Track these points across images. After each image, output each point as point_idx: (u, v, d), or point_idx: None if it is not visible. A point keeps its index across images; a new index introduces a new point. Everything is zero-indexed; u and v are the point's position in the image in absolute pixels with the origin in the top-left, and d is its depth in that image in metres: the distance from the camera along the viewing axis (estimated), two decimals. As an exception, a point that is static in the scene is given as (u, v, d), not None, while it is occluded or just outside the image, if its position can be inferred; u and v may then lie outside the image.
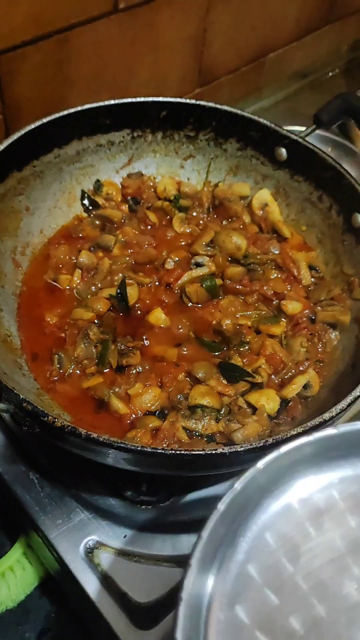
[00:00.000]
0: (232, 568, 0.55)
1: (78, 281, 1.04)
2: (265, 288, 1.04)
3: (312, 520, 0.57)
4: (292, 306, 1.01)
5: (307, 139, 1.10)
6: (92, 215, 1.14)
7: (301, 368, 0.95)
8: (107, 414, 0.89)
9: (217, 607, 0.52)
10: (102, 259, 1.07)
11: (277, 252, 1.10)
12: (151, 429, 0.86)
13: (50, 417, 0.70)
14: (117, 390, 0.90)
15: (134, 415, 0.88)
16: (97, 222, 1.13)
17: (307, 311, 1.02)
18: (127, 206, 1.17)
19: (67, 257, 1.07)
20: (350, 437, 0.59)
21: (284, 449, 0.57)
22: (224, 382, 0.92)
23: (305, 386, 0.92)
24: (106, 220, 1.13)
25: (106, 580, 0.83)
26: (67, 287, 1.03)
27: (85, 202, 1.15)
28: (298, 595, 0.52)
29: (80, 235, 1.11)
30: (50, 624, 1.00)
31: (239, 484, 0.55)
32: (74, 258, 1.06)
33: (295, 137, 1.10)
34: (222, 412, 0.89)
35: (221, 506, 0.54)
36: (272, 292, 1.04)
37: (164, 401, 0.90)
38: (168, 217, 1.16)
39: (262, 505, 0.58)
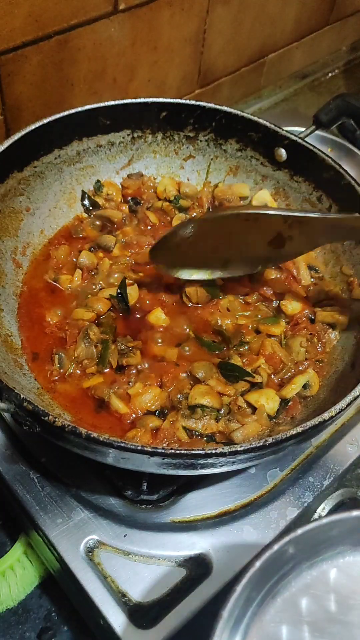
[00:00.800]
0: (261, 627, 0.56)
1: (78, 281, 1.04)
2: (265, 288, 1.04)
3: (339, 597, 0.58)
4: (292, 306, 1.02)
5: (306, 139, 1.11)
6: (92, 216, 1.14)
7: (301, 368, 0.95)
8: (107, 413, 0.89)
9: None
10: (103, 259, 1.07)
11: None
12: (151, 429, 0.86)
13: (50, 417, 0.70)
14: (117, 389, 0.90)
15: (134, 415, 0.88)
16: (98, 223, 1.13)
17: (306, 311, 1.02)
18: (127, 206, 1.17)
19: (68, 258, 1.07)
20: None
21: (325, 520, 0.58)
22: (224, 381, 0.92)
23: (305, 386, 0.92)
24: (106, 221, 1.13)
25: (106, 580, 0.83)
26: (68, 287, 1.04)
27: (86, 202, 1.15)
28: None
29: (81, 235, 1.11)
30: (50, 623, 1.00)
31: (277, 545, 0.56)
32: (74, 258, 1.07)
33: (294, 138, 1.10)
34: (221, 412, 0.90)
35: (257, 563, 0.55)
36: (272, 292, 1.04)
37: (164, 401, 0.90)
38: (168, 217, 1.16)
39: (297, 571, 0.59)
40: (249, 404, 0.90)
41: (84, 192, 1.15)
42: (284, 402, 0.91)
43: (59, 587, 1.01)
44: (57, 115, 1.04)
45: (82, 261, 1.05)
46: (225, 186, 1.20)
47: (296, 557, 0.59)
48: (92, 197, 1.16)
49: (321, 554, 0.61)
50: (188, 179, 1.22)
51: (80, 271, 1.05)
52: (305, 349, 0.97)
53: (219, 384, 0.91)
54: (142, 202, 1.17)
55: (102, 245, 1.09)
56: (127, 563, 0.85)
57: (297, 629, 0.56)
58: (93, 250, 1.08)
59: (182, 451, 0.69)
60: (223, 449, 0.70)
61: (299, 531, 0.57)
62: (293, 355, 0.97)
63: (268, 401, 0.89)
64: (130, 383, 0.91)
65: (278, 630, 0.56)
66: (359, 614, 0.57)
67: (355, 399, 0.78)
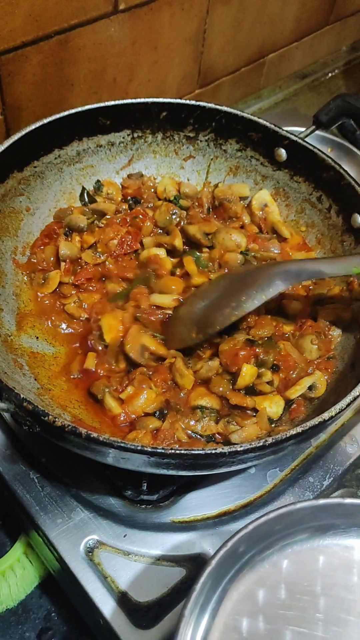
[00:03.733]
0: (222, 621, 0.59)
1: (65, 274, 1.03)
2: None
3: (289, 585, 0.62)
4: (293, 305, 1.01)
5: (306, 139, 1.11)
6: (87, 210, 1.13)
7: (309, 370, 0.95)
8: (101, 409, 0.89)
9: None
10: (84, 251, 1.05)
11: (277, 252, 1.10)
12: (151, 430, 0.86)
13: (50, 417, 0.70)
14: (112, 389, 0.90)
15: (123, 416, 0.87)
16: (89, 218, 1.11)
17: (308, 310, 1.02)
18: (127, 205, 1.17)
19: (54, 255, 1.05)
20: (333, 509, 0.64)
21: (273, 514, 0.61)
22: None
23: (311, 387, 0.92)
24: (100, 214, 1.11)
25: (106, 580, 0.83)
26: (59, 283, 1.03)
27: (85, 198, 1.15)
28: None
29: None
30: (50, 623, 1.00)
31: (230, 542, 0.60)
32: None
33: (294, 138, 1.10)
34: (221, 413, 0.89)
35: (213, 561, 0.59)
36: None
37: (160, 403, 0.89)
38: (167, 216, 1.16)
39: (251, 564, 0.63)
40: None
41: (83, 188, 1.15)
42: (287, 404, 0.91)
43: (59, 587, 1.01)
44: (57, 115, 1.04)
45: (63, 253, 1.02)
46: (225, 186, 1.19)
47: (249, 551, 0.62)
48: (92, 195, 1.15)
49: (271, 546, 0.64)
50: (188, 179, 1.22)
51: (64, 263, 1.03)
52: (317, 346, 0.97)
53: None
54: (142, 202, 1.17)
55: (73, 226, 1.06)
56: (127, 563, 0.85)
57: (254, 619, 0.60)
58: (68, 234, 1.06)
59: (182, 451, 0.69)
60: (223, 449, 0.70)
61: (250, 527, 0.61)
62: (306, 354, 0.96)
63: (272, 405, 0.89)
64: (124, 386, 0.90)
65: (238, 622, 0.59)
66: (307, 598, 0.61)
67: (355, 399, 0.78)
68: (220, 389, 0.90)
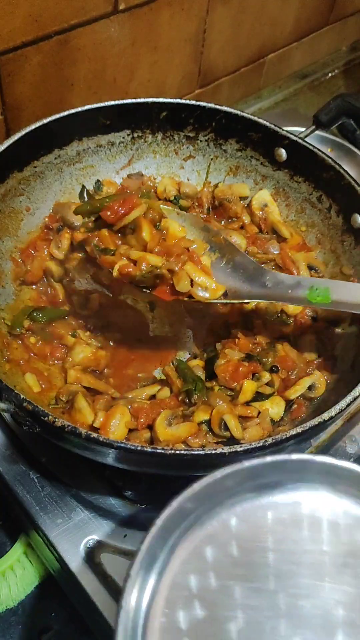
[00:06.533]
0: (170, 580, 0.59)
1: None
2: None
3: (241, 542, 0.61)
4: (293, 306, 1.01)
5: (306, 139, 1.11)
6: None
7: (309, 370, 0.95)
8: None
9: (156, 612, 0.56)
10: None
11: (276, 252, 1.10)
12: (145, 439, 0.84)
13: (50, 417, 0.70)
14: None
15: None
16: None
17: (308, 310, 1.02)
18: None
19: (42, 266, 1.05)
20: (280, 465, 0.63)
21: (219, 474, 0.61)
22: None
23: (310, 387, 0.92)
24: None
25: (106, 580, 0.83)
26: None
27: (85, 196, 1.15)
28: (225, 607, 0.57)
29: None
30: (50, 623, 1.00)
31: (175, 502, 0.59)
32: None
33: (294, 138, 1.10)
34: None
35: (158, 521, 0.59)
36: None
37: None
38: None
39: (198, 523, 0.62)
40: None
41: (83, 186, 1.15)
42: (288, 404, 0.91)
43: (59, 587, 1.01)
44: (57, 115, 1.04)
45: (57, 276, 1.03)
46: (225, 186, 1.19)
47: (196, 510, 0.61)
48: (92, 194, 1.15)
49: (219, 504, 0.63)
50: (188, 179, 1.22)
51: (62, 285, 1.04)
52: (315, 346, 0.97)
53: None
54: (142, 201, 1.17)
55: (67, 222, 1.06)
56: (127, 563, 0.85)
57: (204, 576, 0.59)
58: (60, 229, 1.06)
59: (182, 452, 0.69)
60: (223, 449, 0.70)
61: (196, 487, 0.60)
62: (305, 354, 0.96)
63: (273, 406, 0.89)
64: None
65: (187, 579, 0.58)
66: (260, 555, 0.60)
67: (355, 399, 0.78)
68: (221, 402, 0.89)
